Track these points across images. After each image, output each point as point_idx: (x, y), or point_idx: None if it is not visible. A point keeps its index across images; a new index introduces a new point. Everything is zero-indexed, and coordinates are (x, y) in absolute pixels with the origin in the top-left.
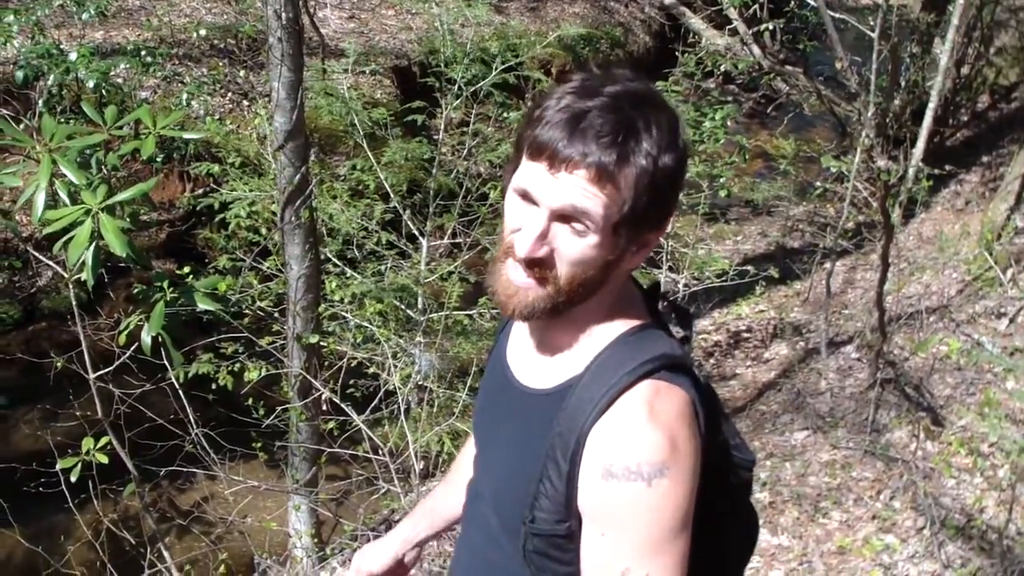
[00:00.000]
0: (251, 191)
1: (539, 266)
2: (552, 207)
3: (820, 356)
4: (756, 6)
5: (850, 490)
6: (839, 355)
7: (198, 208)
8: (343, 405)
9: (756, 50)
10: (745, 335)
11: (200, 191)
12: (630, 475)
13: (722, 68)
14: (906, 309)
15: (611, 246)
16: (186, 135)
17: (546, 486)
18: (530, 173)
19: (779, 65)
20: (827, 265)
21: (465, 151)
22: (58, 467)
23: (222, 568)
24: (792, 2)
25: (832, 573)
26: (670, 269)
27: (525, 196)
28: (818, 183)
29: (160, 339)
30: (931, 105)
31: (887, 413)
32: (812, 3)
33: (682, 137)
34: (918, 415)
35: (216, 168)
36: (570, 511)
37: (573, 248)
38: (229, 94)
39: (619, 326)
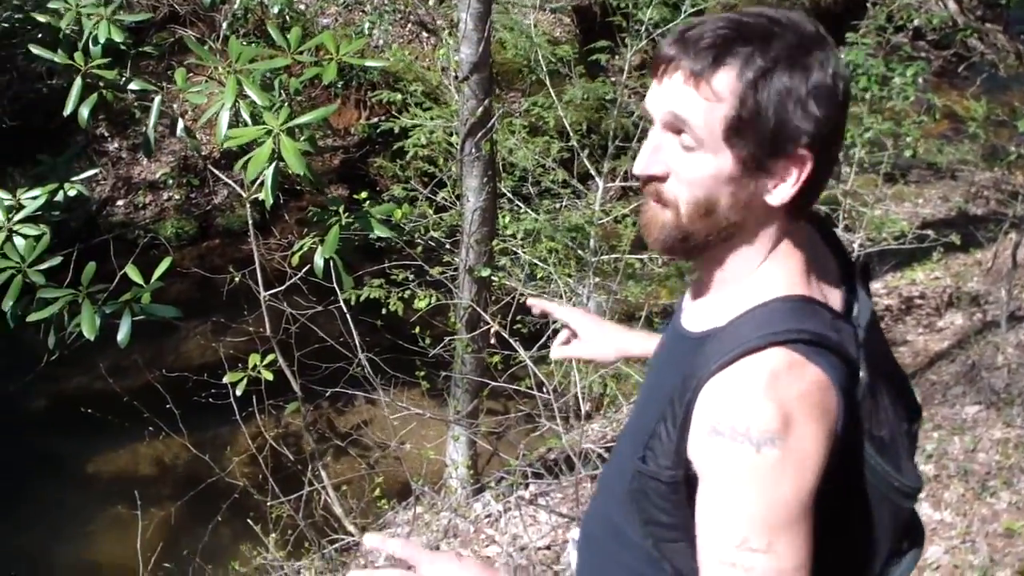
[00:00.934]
0: (432, 119)
1: (657, 182)
2: (658, 117)
3: (999, 330)
4: None
5: (1023, 471)
6: (1020, 330)
7: (375, 135)
8: (511, 340)
9: (952, 5)
10: (918, 301)
11: (376, 119)
12: (736, 435)
13: (914, 23)
14: None
15: (725, 162)
16: (367, 63)
17: (661, 428)
18: (648, 92)
19: (976, 22)
20: (1013, 235)
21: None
22: (226, 380)
23: (377, 491)
24: None
25: (997, 555)
26: (846, 228)
27: (651, 119)
28: (1012, 148)
29: (332, 262)
30: None
31: None
32: None
33: (827, 69)
34: None
35: (398, 97)
36: (679, 460)
37: (685, 165)
38: (409, 24)
39: (778, 288)
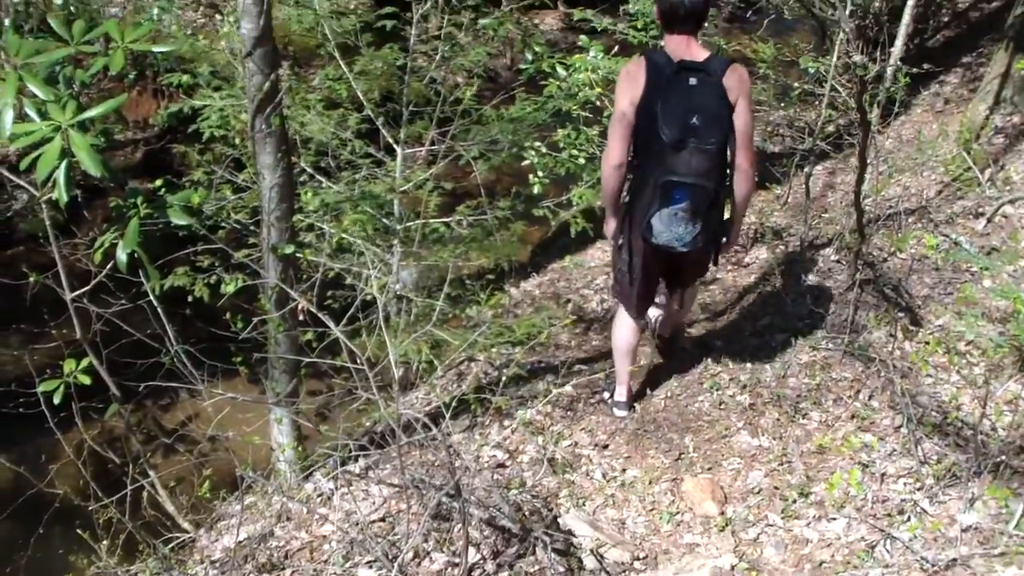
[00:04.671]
0: (221, 99)
1: None
2: None
3: (800, 259)
4: None
5: (829, 390)
6: (819, 257)
7: (168, 119)
8: (320, 315)
9: None
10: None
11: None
12: None
13: None
14: (885, 211)
15: None
16: (156, 48)
17: None
18: None
19: None
20: (807, 168)
21: (438, 57)
22: (39, 390)
23: (207, 484)
24: None
25: (812, 472)
26: None
27: None
28: (796, 84)
29: (136, 256)
30: (910, 3)
31: (866, 314)
32: None
33: None
34: (896, 315)
35: (186, 78)
36: None
37: None
38: (201, 7)
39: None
